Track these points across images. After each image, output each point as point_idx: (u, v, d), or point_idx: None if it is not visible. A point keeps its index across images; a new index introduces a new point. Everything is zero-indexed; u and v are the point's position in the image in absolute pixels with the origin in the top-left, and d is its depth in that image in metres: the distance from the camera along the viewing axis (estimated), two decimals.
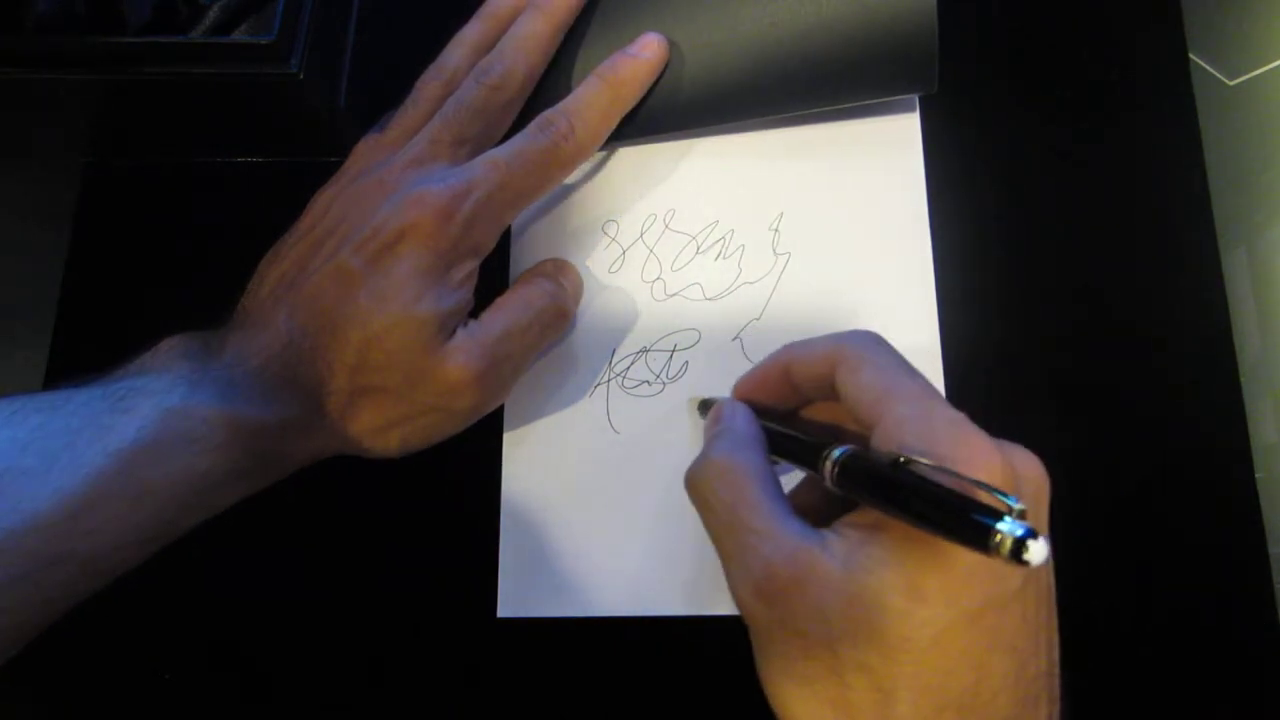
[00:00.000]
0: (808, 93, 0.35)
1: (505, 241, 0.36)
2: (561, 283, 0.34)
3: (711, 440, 0.27)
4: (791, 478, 0.29)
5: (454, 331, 0.30)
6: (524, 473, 0.34)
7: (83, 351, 0.36)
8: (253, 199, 0.37)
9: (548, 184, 0.33)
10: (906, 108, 0.37)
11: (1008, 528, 0.19)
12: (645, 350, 0.35)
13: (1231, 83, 0.38)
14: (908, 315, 0.35)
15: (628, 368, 0.35)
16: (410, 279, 0.29)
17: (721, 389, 0.34)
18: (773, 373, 0.28)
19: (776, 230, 0.36)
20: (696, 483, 0.26)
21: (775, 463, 0.26)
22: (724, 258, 0.36)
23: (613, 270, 0.36)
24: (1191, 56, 0.38)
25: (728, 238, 0.36)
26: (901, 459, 0.22)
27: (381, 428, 0.31)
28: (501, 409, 0.34)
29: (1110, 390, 0.34)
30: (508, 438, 0.34)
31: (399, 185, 0.31)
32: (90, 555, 0.26)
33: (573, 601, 0.33)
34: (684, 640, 0.32)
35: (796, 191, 0.36)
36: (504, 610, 0.33)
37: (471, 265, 0.31)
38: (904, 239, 0.36)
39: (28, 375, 0.36)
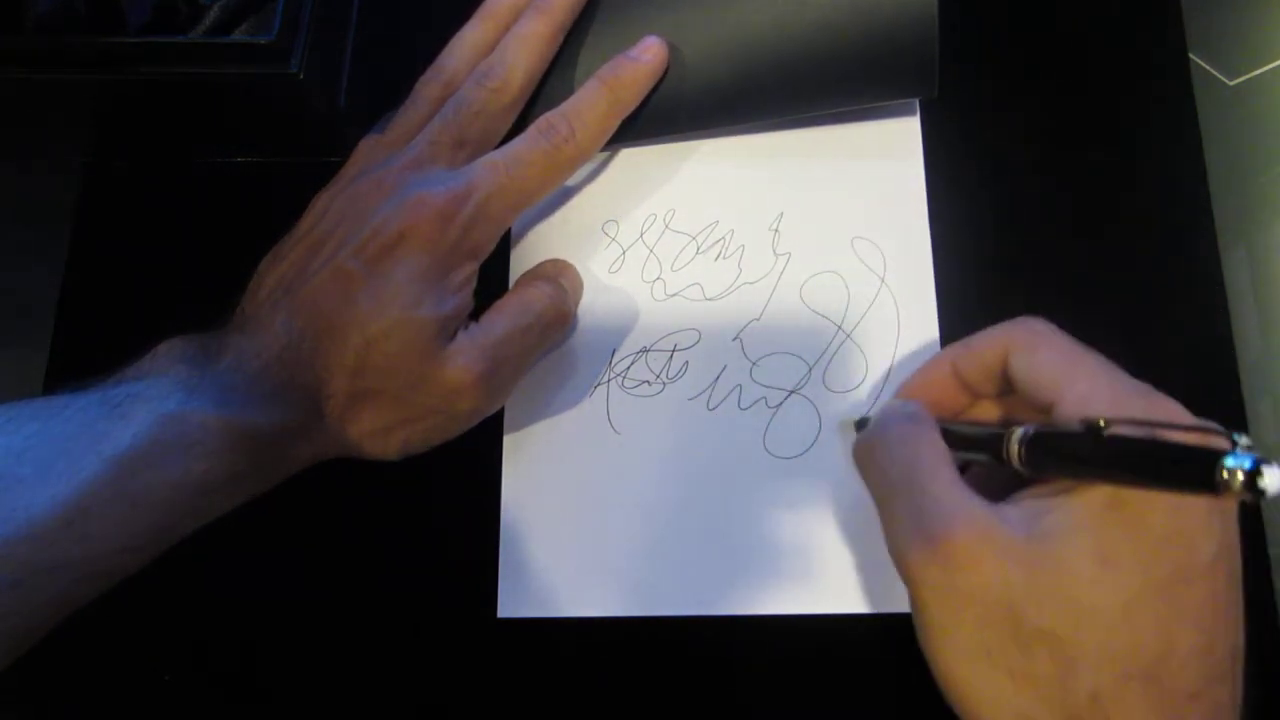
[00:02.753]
0: (808, 97, 0.35)
1: (505, 243, 0.36)
2: (562, 284, 0.34)
3: (886, 415, 0.27)
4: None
5: (454, 334, 0.30)
6: (524, 473, 0.34)
7: (83, 351, 0.36)
8: (253, 199, 0.37)
9: (547, 187, 0.33)
10: (907, 109, 0.37)
11: (1235, 461, 0.18)
12: (645, 350, 0.35)
13: (1231, 83, 0.38)
14: (908, 315, 0.35)
15: (628, 368, 0.35)
16: (410, 282, 0.29)
17: (721, 389, 0.34)
18: (937, 373, 0.29)
19: (776, 230, 0.36)
20: (871, 445, 0.26)
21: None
22: (724, 258, 0.36)
23: (613, 270, 0.36)
24: (1191, 56, 0.38)
25: (728, 238, 0.36)
26: (1101, 422, 0.22)
27: (381, 431, 0.31)
28: (502, 409, 0.34)
29: None
30: (508, 438, 0.34)
31: (398, 187, 0.31)
32: (87, 562, 0.26)
33: (573, 601, 0.33)
34: (684, 640, 0.32)
35: (796, 191, 0.36)
36: (504, 610, 0.33)
37: (471, 268, 0.31)
38: (904, 238, 0.36)
39: (27, 375, 0.36)
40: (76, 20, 0.33)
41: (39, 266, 0.37)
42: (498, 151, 0.32)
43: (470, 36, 0.35)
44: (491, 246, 0.32)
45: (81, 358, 0.36)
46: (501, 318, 0.31)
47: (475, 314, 0.32)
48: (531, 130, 0.32)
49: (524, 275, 0.35)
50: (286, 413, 0.29)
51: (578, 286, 0.35)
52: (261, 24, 0.34)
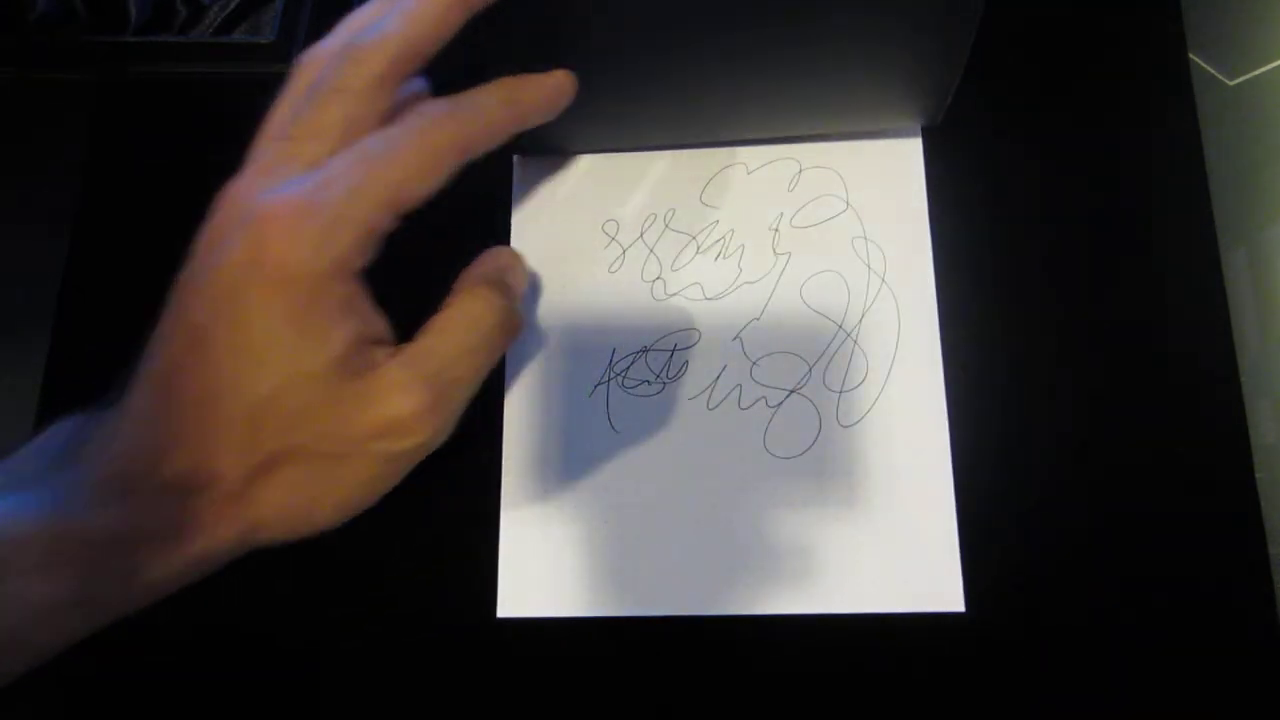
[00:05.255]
0: (810, 120, 0.35)
1: (506, 236, 0.36)
2: (509, 285, 0.29)
3: None
4: None
5: (374, 363, 0.25)
6: (524, 472, 0.34)
7: (82, 352, 0.36)
8: None
9: (427, 180, 0.26)
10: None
11: None
12: (645, 350, 0.35)
13: (1231, 83, 0.38)
14: (908, 315, 0.35)
15: (628, 367, 0.35)
16: (272, 328, 0.24)
17: (722, 389, 0.34)
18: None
19: (776, 230, 0.36)
20: None
21: None
22: (724, 258, 0.36)
23: (613, 270, 0.36)
24: (1191, 56, 0.38)
25: (728, 238, 0.36)
26: None
27: (304, 503, 0.25)
28: (502, 409, 0.34)
29: (1110, 390, 0.34)
30: (508, 437, 0.34)
31: (242, 205, 0.25)
32: None
33: (573, 601, 0.33)
34: (684, 640, 0.32)
35: (797, 191, 0.36)
36: (504, 610, 0.33)
37: (342, 289, 0.25)
38: (904, 237, 0.36)
39: (27, 377, 0.36)
40: (76, 19, 0.33)
41: (39, 267, 0.37)
42: (366, 139, 0.26)
43: (363, 15, 0.28)
44: (364, 257, 0.25)
45: (81, 358, 0.36)
46: (444, 340, 0.27)
47: (407, 325, 0.28)
48: (407, 113, 0.27)
49: (463, 276, 0.29)
50: (139, 514, 0.24)
51: (524, 280, 0.31)
52: (261, 24, 0.34)
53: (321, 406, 0.24)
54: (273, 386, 0.24)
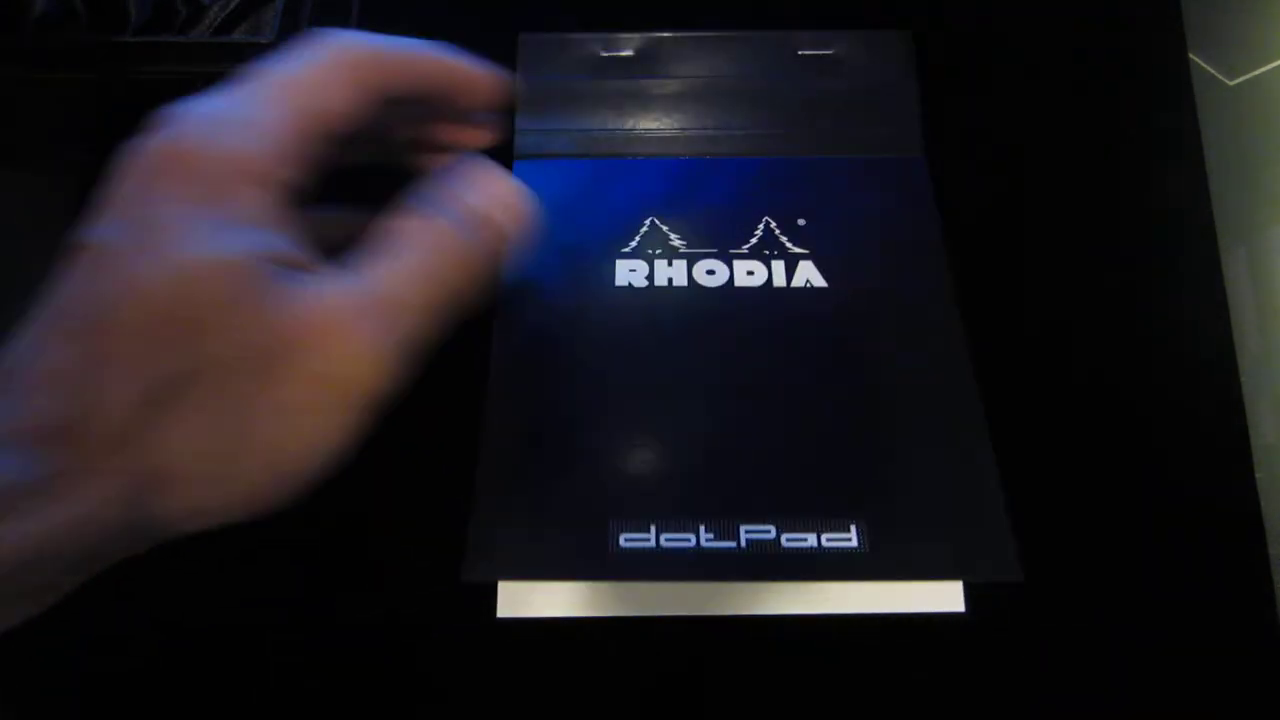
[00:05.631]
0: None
1: None
2: (474, 209, 0.24)
3: None
4: None
5: (306, 275, 0.21)
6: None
7: None
8: None
9: (348, 101, 0.24)
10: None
11: None
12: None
13: (1231, 83, 0.38)
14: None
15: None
16: (183, 213, 0.20)
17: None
18: None
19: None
20: None
21: None
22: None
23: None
24: (1191, 56, 0.38)
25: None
26: None
27: (222, 452, 0.20)
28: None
29: (1110, 390, 0.34)
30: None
31: (162, 116, 0.23)
32: None
33: (574, 602, 0.33)
34: (685, 640, 0.32)
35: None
36: (504, 610, 0.33)
37: (270, 194, 0.21)
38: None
39: None
40: (76, 20, 0.33)
41: (39, 267, 0.37)
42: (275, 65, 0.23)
43: None
44: (288, 170, 0.22)
45: None
46: (401, 261, 0.22)
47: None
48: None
49: (425, 183, 0.25)
50: (11, 464, 0.19)
51: (516, 221, 0.25)
52: (261, 24, 0.34)
53: (238, 308, 0.20)
54: (172, 280, 0.19)
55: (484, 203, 0.25)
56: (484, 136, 0.29)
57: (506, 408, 0.33)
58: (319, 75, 0.23)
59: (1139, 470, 0.33)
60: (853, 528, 0.31)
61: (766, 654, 0.32)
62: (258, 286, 0.20)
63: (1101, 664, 0.32)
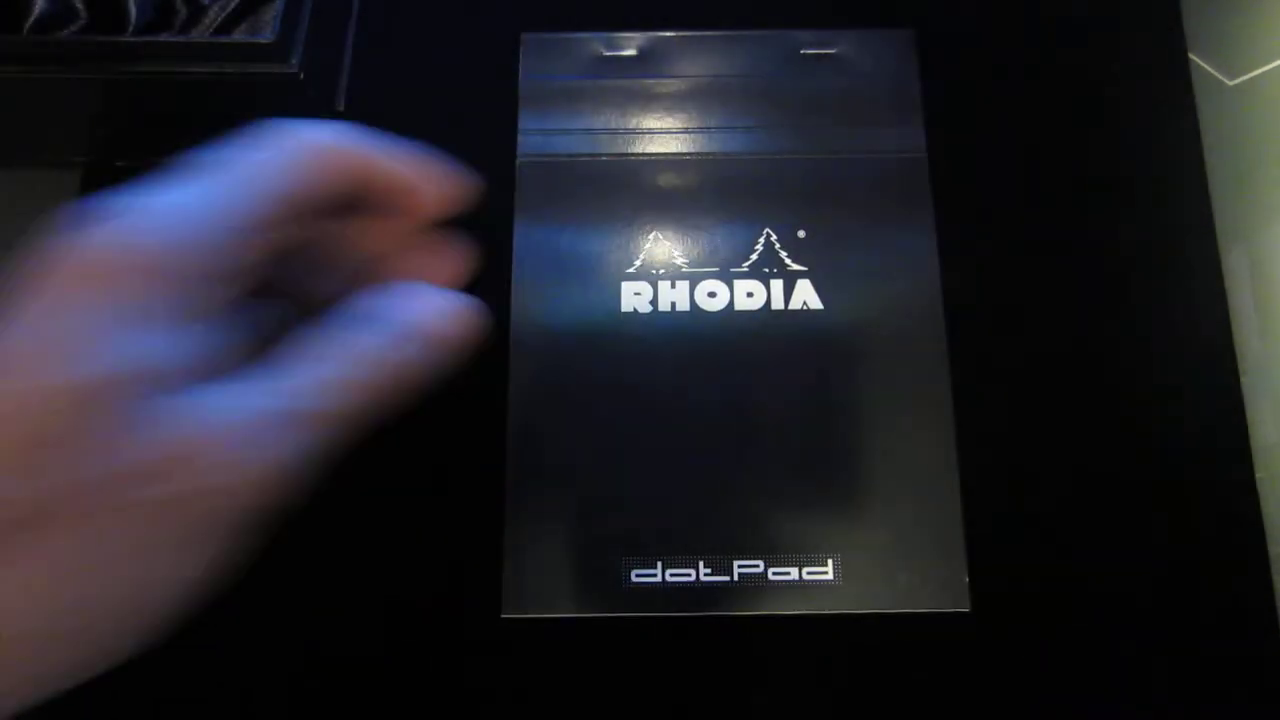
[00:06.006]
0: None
1: (507, 247, 0.36)
2: (409, 320, 0.23)
3: None
4: None
5: (192, 398, 0.19)
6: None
7: None
8: None
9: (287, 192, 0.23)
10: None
11: None
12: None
13: (1231, 83, 0.38)
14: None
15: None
16: (80, 313, 0.19)
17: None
18: None
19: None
20: None
21: None
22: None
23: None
24: (1191, 56, 0.38)
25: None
26: None
27: (68, 600, 0.17)
28: (506, 405, 0.34)
29: (1109, 390, 0.34)
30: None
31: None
32: None
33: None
34: (686, 640, 0.32)
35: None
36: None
37: (175, 290, 0.20)
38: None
39: None
40: (76, 20, 0.33)
41: None
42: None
43: None
44: (205, 261, 0.20)
45: None
46: (316, 372, 0.21)
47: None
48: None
49: (358, 300, 0.24)
50: None
51: (459, 329, 0.24)
52: (261, 24, 0.34)
53: (89, 436, 0.17)
54: (14, 411, 0.17)
55: (418, 314, 0.24)
56: (437, 266, 0.27)
57: (526, 449, 0.34)
58: (278, 164, 0.22)
59: (1139, 470, 0.33)
60: (829, 561, 0.32)
61: (767, 654, 0.32)
62: (118, 411, 0.18)
63: (1103, 664, 0.32)
